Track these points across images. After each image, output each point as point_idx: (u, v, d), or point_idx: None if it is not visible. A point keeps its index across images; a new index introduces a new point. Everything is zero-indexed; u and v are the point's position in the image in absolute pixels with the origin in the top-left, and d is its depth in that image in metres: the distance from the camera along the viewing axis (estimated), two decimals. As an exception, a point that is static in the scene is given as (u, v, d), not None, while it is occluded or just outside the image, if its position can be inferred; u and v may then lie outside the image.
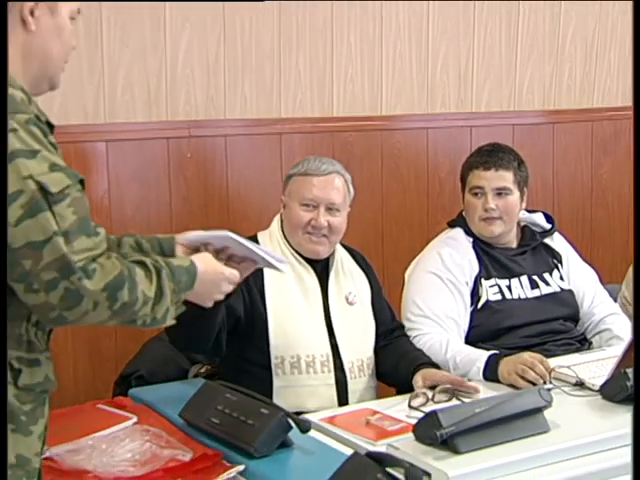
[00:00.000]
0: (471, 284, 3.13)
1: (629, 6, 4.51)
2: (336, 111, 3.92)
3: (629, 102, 4.58)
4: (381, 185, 3.99)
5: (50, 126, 1.91)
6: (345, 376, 2.86)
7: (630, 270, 3.46)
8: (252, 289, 2.86)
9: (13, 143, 1.74)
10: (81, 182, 1.87)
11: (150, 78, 3.51)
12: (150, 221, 3.56)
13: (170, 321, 1.96)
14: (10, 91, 1.81)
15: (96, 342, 3.39)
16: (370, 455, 1.96)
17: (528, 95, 4.36)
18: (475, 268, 3.14)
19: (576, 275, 3.30)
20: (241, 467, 2.15)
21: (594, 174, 4.56)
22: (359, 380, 2.89)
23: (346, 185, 2.98)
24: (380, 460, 1.91)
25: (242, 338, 2.85)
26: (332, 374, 2.83)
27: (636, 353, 1.90)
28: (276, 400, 2.69)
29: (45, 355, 1.93)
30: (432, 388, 2.64)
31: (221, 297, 2.14)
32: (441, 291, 3.10)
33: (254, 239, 2.88)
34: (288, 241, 2.95)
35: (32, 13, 1.89)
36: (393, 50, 4.01)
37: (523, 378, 2.68)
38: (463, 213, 3.27)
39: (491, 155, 3.19)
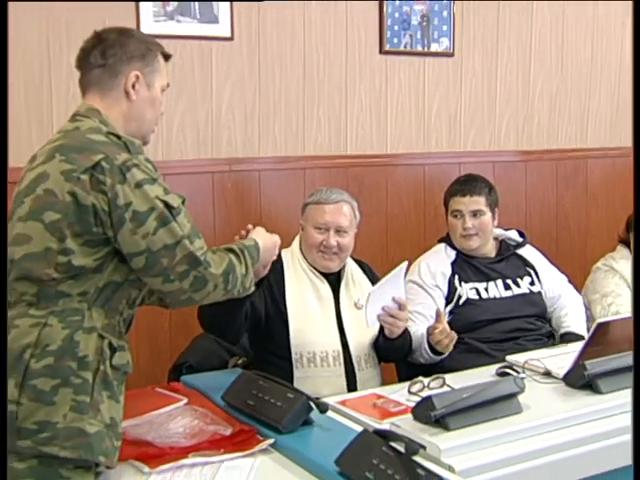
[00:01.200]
0: (445, 287, 3.16)
1: (584, 65, 4.53)
2: (349, 150, 3.93)
3: (586, 144, 4.59)
4: (386, 210, 3.99)
5: None
6: (354, 368, 2.86)
7: (589, 279, 3.46)
8: (274, 294, 2.88)
9: (138, 174, 1.90)
10: (184, 201, 2.01)
11: (199, 124, 3.53)
12: (198, 239, 3.58)
13: (252, 287, 2.15)
14: (131, 139, 2.00)
15: (155, 337, 3.40)
16: (376, 432, 1.97)
17: (505, 138, 4.35)
18: (447, 274, 3.17)
19: (547, 279, 3.30)
20: (271, 440, 2.16)
21: (558, 203, 4.54)
22: (365, 371, 2.89)
23: (353, 211, 2.98)
24: (384, 436, 1.92)
25: (267, 336, 2.87)
26: (342, 367, 2.83)
27: (636, 353, 1.87)
28: (296, 386, 2.67)
29: (127, 344, 2.04)
30: (426, 375, 2.64)
31: (274, 258, 2.44)
32: (416, 294, 3.14)
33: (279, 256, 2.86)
34: (305, 258, 2.96)
35: (134, 87, 2.05)
36: (396, 101, 4.01)
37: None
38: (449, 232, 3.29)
39: (466, 184, 3.24)
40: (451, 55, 4.11)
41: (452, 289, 3.16)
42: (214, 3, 3.49)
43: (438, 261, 3.22)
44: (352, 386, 2.83)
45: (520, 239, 3.35)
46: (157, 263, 1.90)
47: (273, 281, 2.85)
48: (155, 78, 2.10)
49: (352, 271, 3.02)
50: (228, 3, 3.50)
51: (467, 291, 3.15)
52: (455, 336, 2.87)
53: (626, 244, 3.46)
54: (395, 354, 3.00)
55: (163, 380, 2.99)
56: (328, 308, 2.90)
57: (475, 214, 3.18)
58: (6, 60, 1.86)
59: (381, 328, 2.87)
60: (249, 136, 3.66)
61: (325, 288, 2.93)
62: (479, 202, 3.19)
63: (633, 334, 1.92)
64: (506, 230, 3.37)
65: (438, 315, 2.87)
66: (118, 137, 1.97)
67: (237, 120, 3.62)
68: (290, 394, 2.25)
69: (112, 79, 2.04)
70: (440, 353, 2.93)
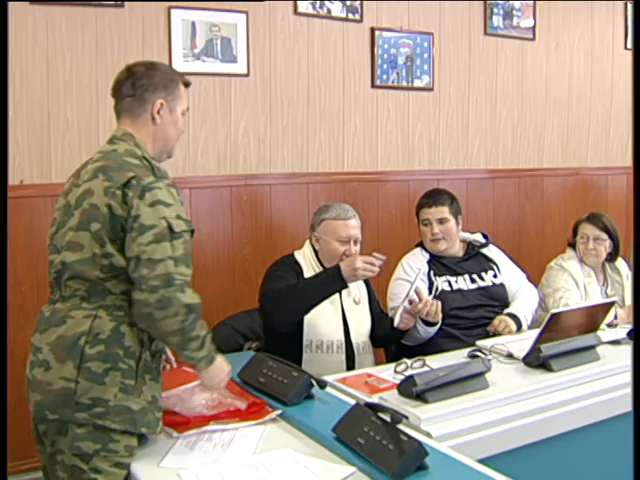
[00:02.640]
0: (426, 281, 3.13)
1: (539, 100, 4.53)
2: (346, 168, 3.93)
3: (542, 165, 4.60)
4: (377, 218, 3.98)
5: None
6: (354, 353, 2.84)
7: (543, 276, 3.44)
8: None
9: (156, 195, 1.86)
10: (192, 231, 1.93)
11: (219, 145, 3.54)
12: (218, 242, 3.57)
13: (200, 369, 1.97)
14: (158, 165, 1.97)
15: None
16: (367, 404, 1.95)
17: (476, 158, 4.35)
18: (425, 271, 3.15)
19: (507, 274, 3.28)
20: (279, 411, 2.14)
21: (520, 213, 4.54)
22: (363, 356, 2.87)
23: (359, 221, 2.93)
24: (374, 408, 1.90)
25: None
26: (344, 354, 2.81)
27: (636, 352, 1.83)
28: (304, 367, 2.63)
29: None
30: (410, 358, 2.64)
31: (223, 384, 2.12)
32: (402, 288, 3.08)
33: (292, 257, 2.92)
34: (321, 263, 2.89)
35: (159, 112, 2.03)
36: (385, 127, 4.01)
37: None
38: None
39: (432, 197, 3.21)
40: (431, 89, 4.11)
41: (431, 283, 3.15)
42: (234, 47, 3.49)
43: (416, 261, 3.20)
44: (351, 368, 2.81)
45: (484, 240, 3.34)
46: (138, 270, 1.81)
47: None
48: (177, 103, 2.07)
49: None
50: (245, 48, 3.51)
51: (441, 283, 3.15)
52: (438, 303, 2.83)
53: (573, 246, 3.45)
54: (397, 340, 2.99)
55: (188, 360, 2.99)
56: (335, 304, 2.86)
57: (441, 221, 3.17)
58: (6, 60, 1.81)
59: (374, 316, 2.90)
60: (261, 156, 3.66)
61: None
62: (443, 211, 3.18)
63: (633, 335, 1.89)
64: (472, 234, 3.36)
65: (418, 293, 2.83)
66: (149, 161, 1.95)
67: (251, 142, 3.62)
68: (295, 373, 2.24)
69: (141, 107, 2.02)
70: (433, 324, 2.92)
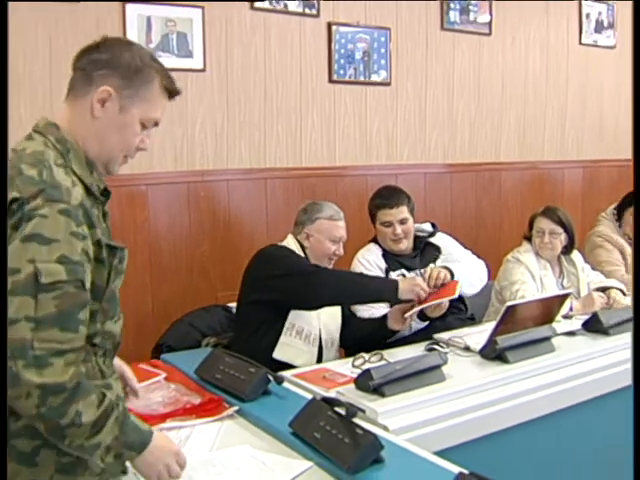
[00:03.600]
0: (383, 273, 3.14)
1: (496, 95, 4.57)
2: (304, 163, 3.92)
3: (499, 159, 4.64)
4: (335, 214, 3.98)
5: (107, 193, 1.57)
6: (322, 348, 2.86)
7: (500, 270, 3.48)
8: None
9: (36, 227, 1.35)
10: (82, 282, 1.40)
11: (176, 141, 3.51)
12: (175, 238, 3.55)
13: (102, 464, 1.43)
14: (59, 183, 1.41)
15: (140, 322, 3.36)
16: (323, 399, 1.96)
17: (434, 152, 4.37)
18: (382, 264, 3.17)
19: (452, 257, 3.27)
20: (236, 407, 2.14)
21: (477, 207, 4.58)
22: (330, 351, 2.90)
23: None
24: (330, 402, 1.91)
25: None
26: (317, 347, 2.83)
27: (636, 352, 1.83)
28: (278, 350, 2.75)
29: (114, 377, 1.61)
30: (368, 351, 2.65)
31: (165, 475, 1.55)
32: None
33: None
34: (306, 257, 2.92)
35: (103, 103, 1.51)
36: (342, 122, 4.01)
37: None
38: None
39: (391, 198, 3.19)
40: (388, 84, 4.13)
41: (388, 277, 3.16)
42: (190, 42, 3.47)
43: (373, 256, 3.21)
44: (319, 361, 2.83)
45: (431, 229, 3.35)
46: None
47: None
48: (134, 104, 1.53)
49: None
50: (201, 43, 3.49)
51: (396, 278, 3.15)
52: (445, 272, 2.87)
53: (529, 240, 3.49)
54: (385, 338, 2.95)
55: (146, 358, 2.96)
56: None
57: (402, 221, 3.18)
58: (6, 60, 1.50)
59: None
60: (219, 151, 3.64)
61: None
62: (404, 211, 3.18)
63: (633, 333, 1.88)
64: (421, 223, 3.36)
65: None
66: (52, 175, 1.41)
67: (208, 138, 3.60)
68: (252, 369, 2.24)
69: (84, 87, 1.52)
70: (428, 318, 2.96)
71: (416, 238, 3.29)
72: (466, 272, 3.03)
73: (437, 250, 3.30)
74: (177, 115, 3.48)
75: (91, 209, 1.47)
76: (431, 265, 3.19)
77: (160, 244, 3.48)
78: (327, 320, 2.91)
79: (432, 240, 3.33)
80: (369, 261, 3.18)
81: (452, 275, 2.89)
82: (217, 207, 3.64)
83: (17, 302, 1.32)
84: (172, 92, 1.61)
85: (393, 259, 3.20)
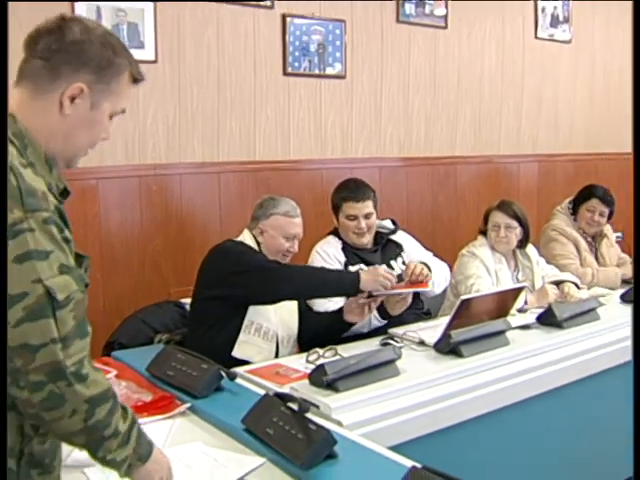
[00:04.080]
0: (342, 267, 3.15)
1: (452, 89, 4.62)
2: (258, 156, 3.91)
3: (455, 153, 4.69)
4: (290, 208, 3.98)
5: (66, 193, 1.46)
6: (278, 345, 2.85)
7: (456, 264, 3.52)
8: None
9: (28, 244, 1.24)
10: (86, 285, 1.38)
11: (127, 133, 3.47)
12: (127, 233, 3.52)
13: (121, 473, 1.41)
14: (33, 188, 1.28)
15: (90, 318, 3.31)
16: (276, 394, 1.97)
17: (389, 146, 4.40)
18: (342, 258, 3.17)
19: (414, 256, 3.30)
20: (188, 404, 2.13)
21: (433, 201, 4.62)
22: (286, 348, 2.88)
23: None
24: (283, 398, 1.92)
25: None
26: (274, 344, 2.82)
27: (636, 351, 1.83)
28: (237, 349, 2.73)
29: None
30: (322, 347, 2.66)
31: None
32: None
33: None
34: (261, 253, 2.90)
35: (73, 100, 1.40)
36: (297, 115, 4.01)
37: None
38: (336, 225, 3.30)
39: (357, 191, 3.20)
40: (343, 77, 4.14)
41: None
42: (141, 32, 3.44)
43: (332, 249, 3.21)
44: (276, 358, 2.82)
45: (392, 227, 3.38)
46: (10, 360, 1.24)
47: None
48: (106, 99, 1.44)
49: None
50: (153, 34, 3.47)
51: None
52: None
53: (484, 234, 3.53)
54: (340, 332, 2.96)
55: (97, 355, 2.93)
56: None
57: (367, 216, 3.19)
58: (6, 60, 1.37)
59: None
60: (171, 145, 3.61)
61: None
62: (369, 205, 3.19)
63: (632, 334, 1.91)
64: (382, 220, 3.39)
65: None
66: (16, 177, 1.27)
67: (161, 130, 3.57)
68: (204, 365, 2.23)
69: (51, 81, 1.38)
70: (389, 316, 2.97)
71: (377, 234, 3.31)
72: (434, 270, 3.08)
73: (398, 247, 3.32)
74: (128, 107, 3.43)
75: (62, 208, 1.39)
76: (398, 260, 3.25)
77: (111, 239, 3.45)
78: (285, 316, 2.91)
79: (393, 237, 3.35)
80: (328, 254, 3.19)
81: (429, 271, 2.95)
82: (170, 201, 3.62)
83: (38, 328, 1.25)
84: (139, 79, 1.55)
85: (353, 253, 3.21)
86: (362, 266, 3.18)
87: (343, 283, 2.78)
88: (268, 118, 3.91)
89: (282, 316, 2.90)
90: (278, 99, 3.93)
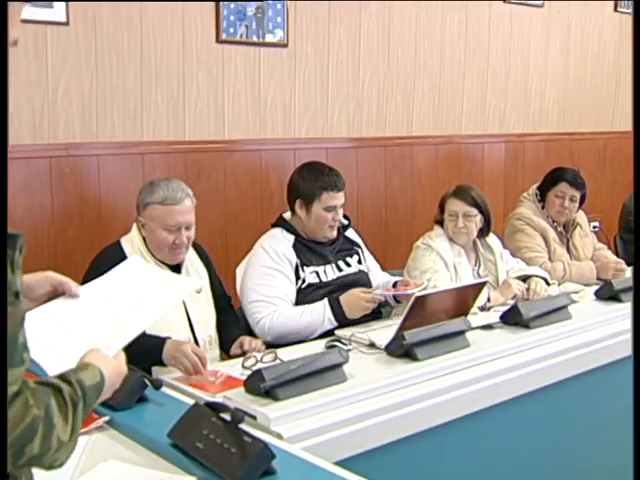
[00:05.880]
0: (293, 269, 3.16)
1: (408, 60, 4.67)
2: (188, 136, 3.90)
3: (411, 132, 4.74)
4: (225, 193, 3.99)
5: None
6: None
7: (410, 257, 3.56)
8: None
9: None
10: (16, 294, 1.23)
11: (35, 108, 3.43)
12: (36, 222, 3.49)
13: (72, 445, 1.33)
14: None
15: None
16: (207, 404, 1.98)
17: (337, 125, 4.43)
18: (293, 258, 3.17)
19: (368, 259, 3.40)
20: (106, 418, 2.12)
21: (387, 186, 4.67)
22: (210, 352, 2.87)
23: (192, 201, 2.91)
24: (215, 407, 1.94)
25: None
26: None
27: (636, 351, 1.86)
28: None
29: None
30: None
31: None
32: (270, 278, 3.11)
33: (117, 245, 2.89)
34: (153, 254, 2.87)
35: None
36: (232, 89, 4.01)
37: None
38: (284, 215, 3.31)
39: (338, 179, 3.23)
40: (285, 46, 4.15)
41: (298, 274, 3.17)
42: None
43: (281, 246, 3.19)
44: None
45: (346, 221, 3.41)
46: None
47: None
48: None
49: (191, 258, 3.00)
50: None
51: (308, 275, 3.17)
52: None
53: (440, 224, 3.58)
54: None
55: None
56: None
57: (342, 206, 3.24)
58: (6, 60, 1.36)
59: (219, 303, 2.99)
60: (87, 121, 3.58)
61: None
62: (343, 196, 3.25)
63: (632, 335, 1.93)
64: None
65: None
66: None
67: (74, 105, 3.54)
68: (125, 372, 2.24)
69: None
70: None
71: None
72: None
73: (354, 245, 3.37)
74: (35, 77, 3.42)
75: None
76: (354, 257, 3.35)
77: (16, 228, 3.41)
78: (200, 316, 2.91)
79: (347, 234, 3.40)
80: (277, 253, 3.16)
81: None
82: (86, 186, 3.59)
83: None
84: None
85: (305, 251, 3.22)
86: (315, 268, 3.19)
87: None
88: (199, 92, 3.90)
89: (197, 321, 2.89)
90: (210, 70, 3.93)
